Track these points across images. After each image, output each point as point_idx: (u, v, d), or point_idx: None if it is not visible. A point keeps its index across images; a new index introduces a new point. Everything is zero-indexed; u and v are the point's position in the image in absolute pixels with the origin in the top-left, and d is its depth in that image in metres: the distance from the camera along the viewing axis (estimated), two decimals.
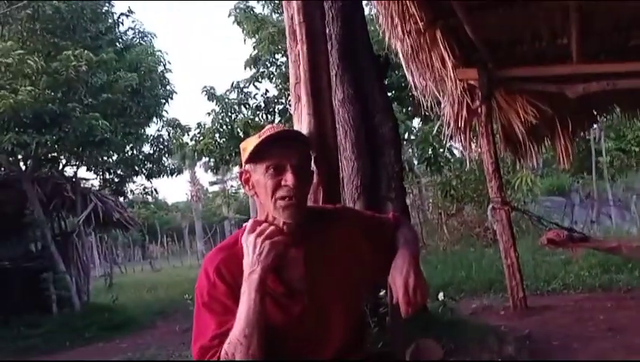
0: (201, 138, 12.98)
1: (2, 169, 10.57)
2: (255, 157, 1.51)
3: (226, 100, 12.92)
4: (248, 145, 1.54)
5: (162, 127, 13.80)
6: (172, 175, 14.00)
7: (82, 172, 12.68)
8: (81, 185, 11.68)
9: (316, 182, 2.79)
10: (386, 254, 1.61)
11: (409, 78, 5.89)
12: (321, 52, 2.52)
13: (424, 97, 6.09)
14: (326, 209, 1.81)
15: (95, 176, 13.01)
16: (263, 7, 13.68)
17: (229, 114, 12.78)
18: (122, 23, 12.80)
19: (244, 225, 1.58)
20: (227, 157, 12.93)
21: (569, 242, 5.60)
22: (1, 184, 10.18)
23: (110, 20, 12.44)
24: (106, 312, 10.15)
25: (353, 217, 1.77)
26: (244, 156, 1.55)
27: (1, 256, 10.12)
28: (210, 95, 12.97)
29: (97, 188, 12.72)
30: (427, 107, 6.27)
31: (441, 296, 5.28)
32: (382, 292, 4.09)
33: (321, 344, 1.56)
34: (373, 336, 3.80)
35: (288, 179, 1.46)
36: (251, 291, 1.43)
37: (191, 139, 13.48)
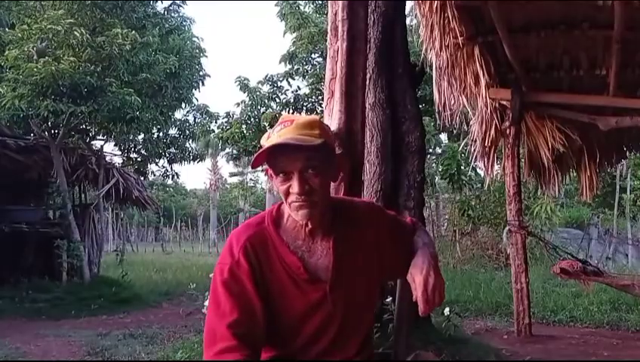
0: (228, 127, 13.11)
1: (33, 135, 10.75)
2: (267, 160, 1.51)
3: (257, 92, 13.04)
4: (263, 144, 1.53)
5: (189, 112, 14.01)
6: (194, 161, 14.15)
7: (108, 147, 12.90)
8: (106, 159, 11.83)
9: (339, 177, 2.83)
10: (403, 256, 1.63)
11: (435, 92, 5.91)
12: (360, 51, 2.55)
13: (452, 113, 6.09)
14: (356, 202, 1.82)
15: (120, 152, 13.23)
16: (306, 6, 13.78)
17: (258, 107, 12.89)
18: (172, 9, 13.02)
19: (272, 205, 1.62)
20: (250, 148, 13.03)
21: (582, 274, 5.60)
22: (29, 149, 10.35)
23: (156, 3, 12.67)
24: (114, 286, 10.24)
25: (379, 214, 1.77)
26: (252, 161, 1.54)
27: (19, 219, 10.29)
28: (243, 85, 13.10)
29: (120, 164, 12.90)
30: (454, 123, 6.27)
31: (447, 310, 5.25)
32: (388, 299, 4.10)
33: (336, 335, 1.57)
34: (374, 341, 3.80)
35: (294, 186, 1.47)
36: None
37: (218, 127, 13.63)
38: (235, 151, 14.25)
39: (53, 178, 10.41)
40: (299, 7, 13.34)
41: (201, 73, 13.07)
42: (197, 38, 13.41)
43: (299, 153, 1.46)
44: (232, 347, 1.41)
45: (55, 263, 10.07)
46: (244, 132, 12.85)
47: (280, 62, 13.18)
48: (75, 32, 9.19)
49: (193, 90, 12.97)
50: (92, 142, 12.08)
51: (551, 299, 8.04)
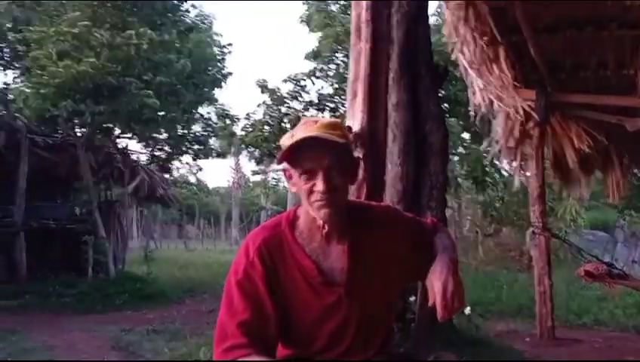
0: (251, 130, 13.16)
1: (60, 133, 10.95)
2: (289, 159, 1.51)
3: (278, 93, 13.07)
4: (284, 144, 1.52)
5: (212, 110, 14.13)
6: (218, 157, 14.27)
7: (134, 145, 13.09)
8: (131, 157, 12.00)
9: (361, 178, 2.85)
10: (424, 258, 1.61)
11: (471, 80, 5.82)
12: (383, 52, 2.56)
13: (478, 111, 6.04)
14: (372, 206, 1.81)
15: (145, 150, 13.40)
16: (332, 5, 13.76)
17: (279, 106, 12.92)
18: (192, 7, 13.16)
19: (289, 208, 1.62)
20: (272, 150, 13.05)
21: (607, 277, 5.49)
22: (57, 147, 10.56)
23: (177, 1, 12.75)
24: (138, 282, 10.40)
25: (397, 218, 1.75)
26: (279, 157, 1.53)
27: (47, 216, 10.53)
28: (263, 87, 13.15)
29: (145, 162, 13.07)
30: (479, 122, 6.22)
31: (467, 310, 5.22)
32: (412, 298, 4.08)
33: (354, 338, 1.57)
34: (395, 341, 3.80)
35: (319, 185, 1.46)
36: None
37: (241, 130, 13.72)
38: (257, 154, 14.30)
39: (79, 175, 10.60)
40: (325, 7, 13.34)
41: (223, 72, 13.12)
42: (217, 34, 13.51)
43: (325, 151, 1.46)
44: (241, 344, 1.44)
45: (81, 259, 10.27)
46: (266, 135, 12.84)
47: (305, 60, 13.21)
48: (95, 34, 9.30)
49: (215, 88, 13.03)
50: (118, 141, 12.26)
51: (575, 302, 7.93)
